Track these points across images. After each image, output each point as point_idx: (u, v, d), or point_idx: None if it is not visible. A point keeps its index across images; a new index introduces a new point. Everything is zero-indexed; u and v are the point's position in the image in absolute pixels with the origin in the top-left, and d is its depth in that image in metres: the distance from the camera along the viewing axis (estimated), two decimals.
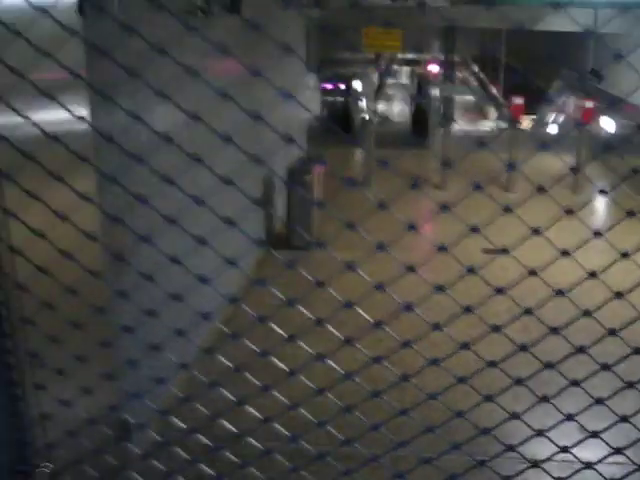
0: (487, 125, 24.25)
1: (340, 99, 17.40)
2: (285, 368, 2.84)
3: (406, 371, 2.94)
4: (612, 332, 2.61)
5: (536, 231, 2.60)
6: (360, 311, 2.75)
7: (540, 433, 2.92)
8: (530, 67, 30.46)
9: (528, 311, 2.69)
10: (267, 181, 8.93)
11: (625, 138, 12.64)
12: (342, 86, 17.43)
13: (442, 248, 2.64)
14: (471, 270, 2.63)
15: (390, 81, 33.90)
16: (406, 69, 36.53)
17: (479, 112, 29.62)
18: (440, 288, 2.69)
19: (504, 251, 2.80)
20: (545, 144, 2.83)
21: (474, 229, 2.54)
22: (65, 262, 2.47)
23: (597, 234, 2.53)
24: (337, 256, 2.67)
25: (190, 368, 3.03)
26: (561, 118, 19.13)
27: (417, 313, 2.71)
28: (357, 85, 17.64)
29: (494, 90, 30.15)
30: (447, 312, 2.77)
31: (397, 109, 26.25)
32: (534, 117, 21.53)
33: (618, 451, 2.92)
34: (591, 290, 2.78)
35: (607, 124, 14.70)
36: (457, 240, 2.69)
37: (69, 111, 2.41)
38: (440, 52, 23.04)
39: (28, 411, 2.93)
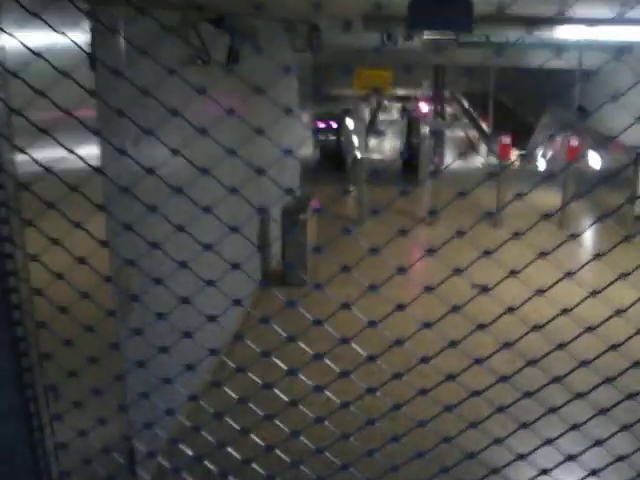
0: (477, 160, 24.49)
1: (332, 137, 17.66)
2: (285, 398, 3.05)
3: (398, 401, 3.15)
4: (584, 363, 2.85)
5: (513, 272, 2.84)
6: (354, 346, 2.96)
7: (521, 457, 3.14)
8: (519, 103, 30.84)
9: (508, 344, 2.92)
10: (263, 221, 9.13)
11: (610, 175, 12.95)
12: (334, 124, 17.70)
13: (429, 288, 2.86)
14: (457, 307, 2.85)
15: (381, 117, 34.15)
16: (397, 105, 36.83)
17: (469, 147, 29.89)
18: (427, 325, 2.92)
19: (485, 289, 3.03)
20: (533, 182, 3.08)
21: (458, 269, 2.78)
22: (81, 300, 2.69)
23: (569, 274, 2.76)
24: (331, 294, 2.90)
25: (197, 398, 3.23)
26: (549, 154, 19.41)
27: (407, 347, 2.93)
28: (349, 123, 17.90)
29: (484, 125, 30.47)
30: (436, 345, 2.99)
31: (389, 145, 26.51)
32: (522, 152, 21.78)
33: (594, 472, 3.13)
34: (567, 323, 3.00)
35: (594, 161, 14.98)
36: (444, 279, 2.92)
37: (86, 163, 2.65)
38: (430, 88, 23.25)
39: (45, 441, 3.12)
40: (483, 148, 27.97)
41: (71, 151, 2.62)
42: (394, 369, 3.09)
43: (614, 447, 3.02)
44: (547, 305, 3.22)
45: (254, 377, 2.97)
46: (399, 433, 3.16)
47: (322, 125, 17.79)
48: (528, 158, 20.67)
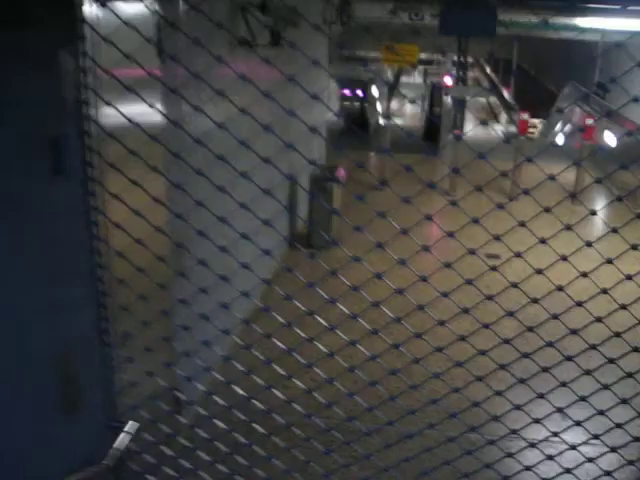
0: (498, 129, 24.75)
1: (357, 104, 18.10)
2: (324, 323, 3.68)
3: (415, 356, 3.79)
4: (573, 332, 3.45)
5: (543, 241, 3.40)
6: (382, 308, 3.59)
7: (537, 421, 3.80)
8: (541, 71, 30.92)
9: (511, 313, 3.51)
10: (292, 187, 9.64)
11: (625, 152, 13.31)
12: (359, 92, 18.11)
13: (447, 264, 3.43)
14: (470, 281, 3.43)
15: (404, 80, 34.36)
16: (420, 68, 36.94)
17: (490, 114, 30.12)
18: (445, 294, 3.51)
19: (496, 257, 3.61)
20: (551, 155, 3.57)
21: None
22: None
23: (588, 244, 3.30)
24: (349, 253, 3.50)
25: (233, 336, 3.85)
26: (568, 128, 19.67)
27: (426, 311, 3.53)
28: (373, 90, 18.30)
29: (505, 93, 30.63)
30: (451, 310, 3.59)
31: (412, 111, 26.84)
32: (543, 122, 22.04)
33: (596, 437, 3.80)
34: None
35: (609, 138, 15.31)
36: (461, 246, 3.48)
37: (165, 116, 3.21)
38: (453, 52, 23.46)
39: (119, 379, 3.71)
40: (503, 116, 28.18)
41: (152, 106, 3.19)
42: (414, 329, 3.70)
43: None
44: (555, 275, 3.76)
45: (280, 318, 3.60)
46: (417, 383, 3.79)
47: (348, 92, 18.20)
48: (548, 131, 20.91)
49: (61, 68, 2.99)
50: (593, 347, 3.56)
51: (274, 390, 3.93)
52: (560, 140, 19.44)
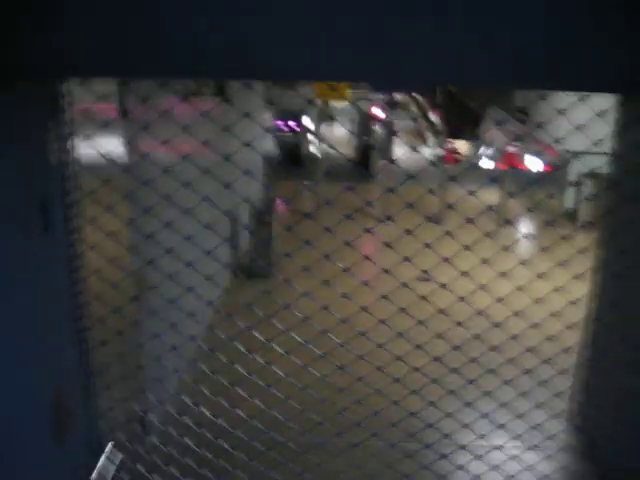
0: (426, 152, 25.38)
1: (291, 136, 18.57)
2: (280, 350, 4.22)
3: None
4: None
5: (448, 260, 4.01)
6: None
7: (466, 426, 4.42)
8: (469, 94, 31.70)
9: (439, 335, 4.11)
10: (233, 220, 10.05)
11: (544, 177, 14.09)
12: (292, 124, 18.57)
13: (384, 295, 4.00)
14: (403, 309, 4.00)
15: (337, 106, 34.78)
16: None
17: (418, 137, 30.75)
18: (384, 320, 4.10)
19: (426, 279, 4.20)
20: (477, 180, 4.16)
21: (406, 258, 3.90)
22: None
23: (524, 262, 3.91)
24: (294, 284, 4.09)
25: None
26: (490, 151, 20.30)
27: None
28: (306, 121, 18.79)
29: (433, 116, 31.24)
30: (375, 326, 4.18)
31: (344, 142, 27.48)
32: (469, 144, 22.67)
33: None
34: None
35: (531, 163, 16.00)
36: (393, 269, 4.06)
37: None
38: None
39: (98, 407, 4.16)
40: (432, 140, 28.77)
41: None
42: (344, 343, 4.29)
43: None
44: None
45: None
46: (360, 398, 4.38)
47: (281, 124, 18.65)
48: (474, 156, 21.50)
49: (45, 137, 3.44)
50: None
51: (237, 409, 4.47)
52: (486, 163, 20.05)
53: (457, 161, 18.21)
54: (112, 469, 4.02)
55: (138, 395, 4.96)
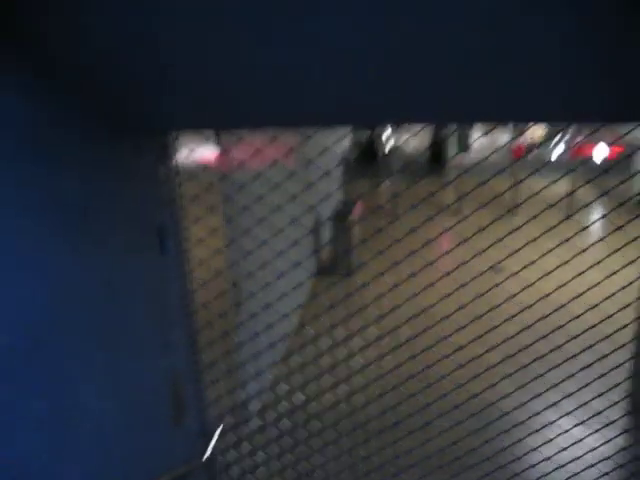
0: (503, 138, 25.67)
1: (366, 136, 19.21)
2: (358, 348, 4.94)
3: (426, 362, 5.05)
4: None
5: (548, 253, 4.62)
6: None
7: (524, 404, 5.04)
8: None
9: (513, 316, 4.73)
10: (317, 224, 10.78)
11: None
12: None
13: (457, 283, 4.65)
14: (482, 294, 4.64)
15: None
16: None
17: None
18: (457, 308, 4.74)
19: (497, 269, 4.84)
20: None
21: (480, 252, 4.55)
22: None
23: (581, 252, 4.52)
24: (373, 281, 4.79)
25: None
26: (564, 139, 20.46)
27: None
28: None
29: None
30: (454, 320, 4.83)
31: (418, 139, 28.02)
32: (544, 130, 22.87)
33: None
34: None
35: (600, 151, 16.28)
36: (468, 262, 4.71)
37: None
38: None
39: (207, 398, 4.94)
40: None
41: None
42: (428, 335, 4.98)
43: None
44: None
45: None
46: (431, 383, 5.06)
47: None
48: (545, 147, 21.73)
49: (158, 176, 4.21)
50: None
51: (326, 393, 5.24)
52: (557, 152, 20.24)
53: (526, 152, 18.54)
54: (222, 447, 4.80)
55: (241, 386, 5.77)
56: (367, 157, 18.34)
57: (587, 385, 5.16)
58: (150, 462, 4.04)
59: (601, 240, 3.95)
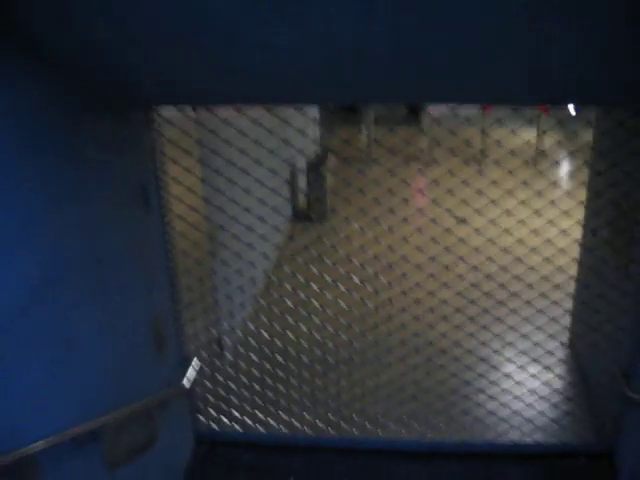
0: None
1: None
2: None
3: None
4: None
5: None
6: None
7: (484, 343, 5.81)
8: None
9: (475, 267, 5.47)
10: (292, 173, 11.41)
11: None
12: None
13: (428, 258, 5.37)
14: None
15: None
16: None
17: None
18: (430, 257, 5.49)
19: (464, 221, 5.60)
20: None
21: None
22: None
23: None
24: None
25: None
26: None
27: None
28: None
29: None
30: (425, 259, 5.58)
31: None
32: None
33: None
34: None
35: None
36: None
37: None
38: None
39: (186, 332, 5.66)
40: None
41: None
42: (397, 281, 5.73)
43: None
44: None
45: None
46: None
47: None
48: None
49: (143, 143, 4.83)
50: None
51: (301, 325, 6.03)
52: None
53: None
54: (198, 376, 5.54)
55: (215, 323, 6.53)
56: (346, 107, 18.84)
57: (526, 319, 5.93)
58: (137, 384, 4.73)
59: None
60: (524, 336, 6.11)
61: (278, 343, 6.31)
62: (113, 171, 4.31)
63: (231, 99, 4.44)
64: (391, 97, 4.33)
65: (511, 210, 5.68)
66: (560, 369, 6.92)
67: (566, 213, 5.71)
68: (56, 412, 3.60)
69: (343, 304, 6.27)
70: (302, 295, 6.40)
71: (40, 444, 3.37)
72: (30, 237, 3.32)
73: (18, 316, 3.21)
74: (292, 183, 11.52)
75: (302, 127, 5.60)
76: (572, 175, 14.04)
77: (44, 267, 3.45)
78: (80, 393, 3.86)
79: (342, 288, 6.30)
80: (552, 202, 5.72)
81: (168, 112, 4.98)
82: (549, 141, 14.89)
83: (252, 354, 6.24)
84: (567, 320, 7.09)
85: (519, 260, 5.71)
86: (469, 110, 5.15)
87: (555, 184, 12.75)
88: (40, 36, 3.17)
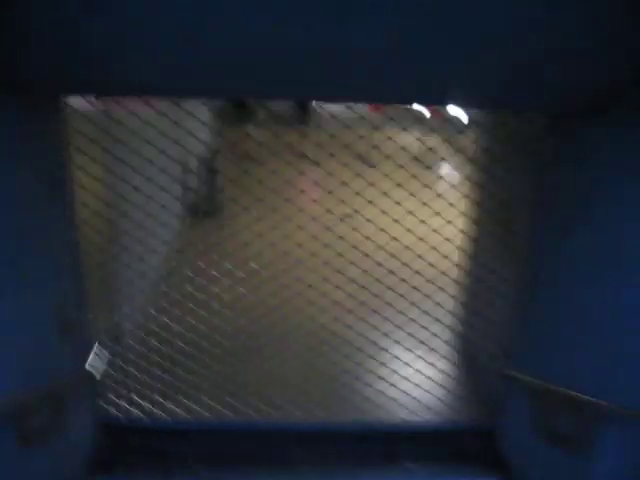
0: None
1: None
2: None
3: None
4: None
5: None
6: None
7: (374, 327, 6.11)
8: None
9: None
10: (185, 169, 11.56)
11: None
12: None
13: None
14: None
15: None
16: None
17: None
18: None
19: (347, 216, 5.91)
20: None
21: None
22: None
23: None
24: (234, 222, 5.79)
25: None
26: None
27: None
28: None
29: None
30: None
31: None
32: None
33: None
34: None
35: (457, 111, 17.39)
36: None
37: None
38: None
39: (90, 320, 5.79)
40: None
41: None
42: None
43: None
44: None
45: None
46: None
47: None
48: None
49: (51, 133, 4.93)
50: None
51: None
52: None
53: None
54: (100, 361, 5.68)
55: (115, 310, 6.67)
56: (237, 107, 19.03)
57: (413, 304, 6.30)
58: (45, 369, 4.83)
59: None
60: (411, 320, 6.49)
61: (178, 330, 6.54)
62: (21, 159, 4.40)
63: (142, 90, 4.58)
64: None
65: (400, 202, 6.04)
66: (445, 351, 7.36)
67: (451, 205, 6.12)
68: None
69: (242, 290, 6.55)
70: (199, 284, 6.65)
71: None
72: None
73: None
74: (184, 180, 11.71)
75: (192, 128, 5.84)
76: (457, 170, 14.61)
77: None
78: None
79: (239, 275, 6.59)
80: (439, 195, 6.13)
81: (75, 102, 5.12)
82: (436, 140, 15.44)
83: (152, 341, 6.44)
84: (451, 304, 7.54)
85: (408, 248, 6.07)
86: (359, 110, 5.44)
87: (442, 178, 13.28)
88: None
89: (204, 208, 12.17)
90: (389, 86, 4.10)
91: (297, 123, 18.06)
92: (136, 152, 5.46)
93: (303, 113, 18.98)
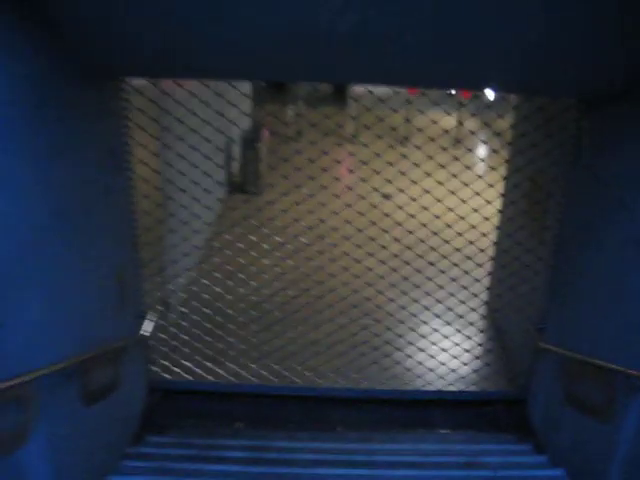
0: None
1: None
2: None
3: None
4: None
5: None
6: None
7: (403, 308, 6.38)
8: None
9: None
10: (227, 146, 11.78)
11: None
12: None
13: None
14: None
15: None
16: None
17: None
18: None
19: (387, 196, 6.16)
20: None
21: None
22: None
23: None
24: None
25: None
26: None
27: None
28: None
29: None
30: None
31: None
32: None
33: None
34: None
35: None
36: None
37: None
38: None
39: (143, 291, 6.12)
40: None
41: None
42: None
43: None
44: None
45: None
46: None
47: None
48: None
49: (112, 111, 5.24)
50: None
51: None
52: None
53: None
54: (151, 328, 6.00)
55: (163, 286, 6.99)
56: (277, 86, 19.12)
57: (452, 295, 6.57)
58: (105, 330, 5.15)
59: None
60: (450, 294, 6.77)
61: (220, 304, 6.90)
62: (89, 135, 4.69)
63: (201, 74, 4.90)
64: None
65: (442, 182, 6.30)
66: (480, 325, 7.63)
67: (490, 186, 6.35)
68: (50, 346, 4.05)
69: (290, 262, 6.90)
70: (242, 261, 6.99)
71: (36, 373, 3.79)
72: (36, 185, 3.76)
73: (18, 259, 3.61)
74: (227, 156, 11.92)
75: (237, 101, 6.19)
76: (495, 153, 14.66)
77: (41, 213, 3.88)
78: (66, 332, 4.31)
79: (278, 255, 6.94)
80: (479, 176, 6.38)
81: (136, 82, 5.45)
82: (474, 123, 15.50)
83: (201, 309, 6.78)
84: (487, 281, 7.79)
85: (448, 226, 6.34)
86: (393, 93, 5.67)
87: (480, 160, 13.45)
88: (54, 16, 3.62)
89: (248, 186, 12.45)
90: (425, 70, 4.31)
91: (334, 103, 18.22)
92: (184, 123, 5.79)
93: (342, 94, 19.05)
